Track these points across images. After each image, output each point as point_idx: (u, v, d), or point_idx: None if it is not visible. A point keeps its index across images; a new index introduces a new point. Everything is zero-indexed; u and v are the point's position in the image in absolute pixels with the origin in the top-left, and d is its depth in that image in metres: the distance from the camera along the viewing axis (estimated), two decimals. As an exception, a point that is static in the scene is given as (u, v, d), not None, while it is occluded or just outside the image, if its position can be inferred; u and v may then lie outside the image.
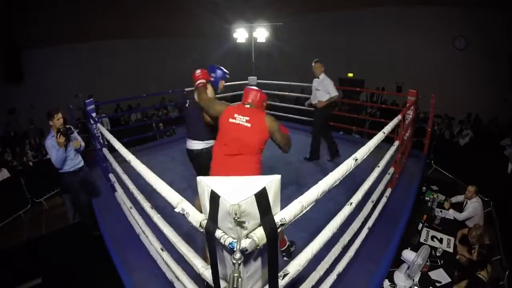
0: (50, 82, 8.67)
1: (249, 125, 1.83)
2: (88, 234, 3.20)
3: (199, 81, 2.23)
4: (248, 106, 1.97)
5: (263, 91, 2.06)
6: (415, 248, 2.59)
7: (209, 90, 2.31)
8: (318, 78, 3.86)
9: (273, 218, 0.99)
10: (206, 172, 2.01)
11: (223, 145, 1.87)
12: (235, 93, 6.26)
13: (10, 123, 8.09)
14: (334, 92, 3.73)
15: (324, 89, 3.75)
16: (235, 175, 1.67)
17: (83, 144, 3.06)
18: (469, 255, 2.87)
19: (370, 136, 2.02)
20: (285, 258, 2.20)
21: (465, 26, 7.93)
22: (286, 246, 2.23)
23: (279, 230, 1.00)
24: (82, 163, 3.15)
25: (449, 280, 2.48)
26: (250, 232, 0.95)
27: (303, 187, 2.15)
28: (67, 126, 2.94)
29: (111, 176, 3.02)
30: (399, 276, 2.40)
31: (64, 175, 3.01)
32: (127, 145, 1.99)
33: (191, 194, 2.77)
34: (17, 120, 8.21)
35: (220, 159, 1.88)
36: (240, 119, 1.86)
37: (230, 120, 1.87)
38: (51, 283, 2.78)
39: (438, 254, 2.74)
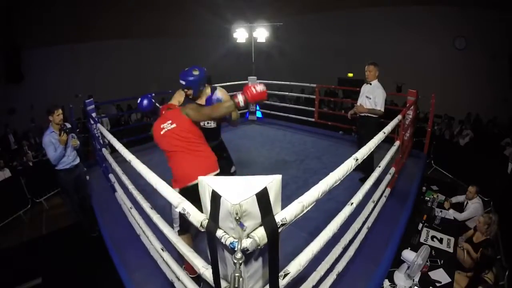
0: (50, 82, 8.68)
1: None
2: (85, 235, 3.20)
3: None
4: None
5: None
6: (415, 248, 2.58)
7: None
8: (370, 84, 3.25)
9: (274, 218, 0.99)
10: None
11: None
12: (234, 93, 6.25)
13: (10, 123, 8.09)
14: (380, 107, 3.17)
15: (373, 99, 3.20)
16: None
17: (78, 142, 3.09)
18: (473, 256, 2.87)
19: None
20: None
21: (465, 26, 7.93)
22: None
23: (280, 230, 1.00)
24: (78, 161, 3.16)
25: (449, 280, 2.47)
26: (251, 232, 0.95)
27: (303, 187, 2.15)
28: (68, 126, 2.97)
29: (111, 176, 3.02)
30: (399, 276, 2.39)
31: (60, 173, 3.02)
32: (127, 145, 1.99)
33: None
34: (17, 120, 8.21)
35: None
36: None
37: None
38: (51, 283, 2.79)
39: (438, 254, 2.74)
